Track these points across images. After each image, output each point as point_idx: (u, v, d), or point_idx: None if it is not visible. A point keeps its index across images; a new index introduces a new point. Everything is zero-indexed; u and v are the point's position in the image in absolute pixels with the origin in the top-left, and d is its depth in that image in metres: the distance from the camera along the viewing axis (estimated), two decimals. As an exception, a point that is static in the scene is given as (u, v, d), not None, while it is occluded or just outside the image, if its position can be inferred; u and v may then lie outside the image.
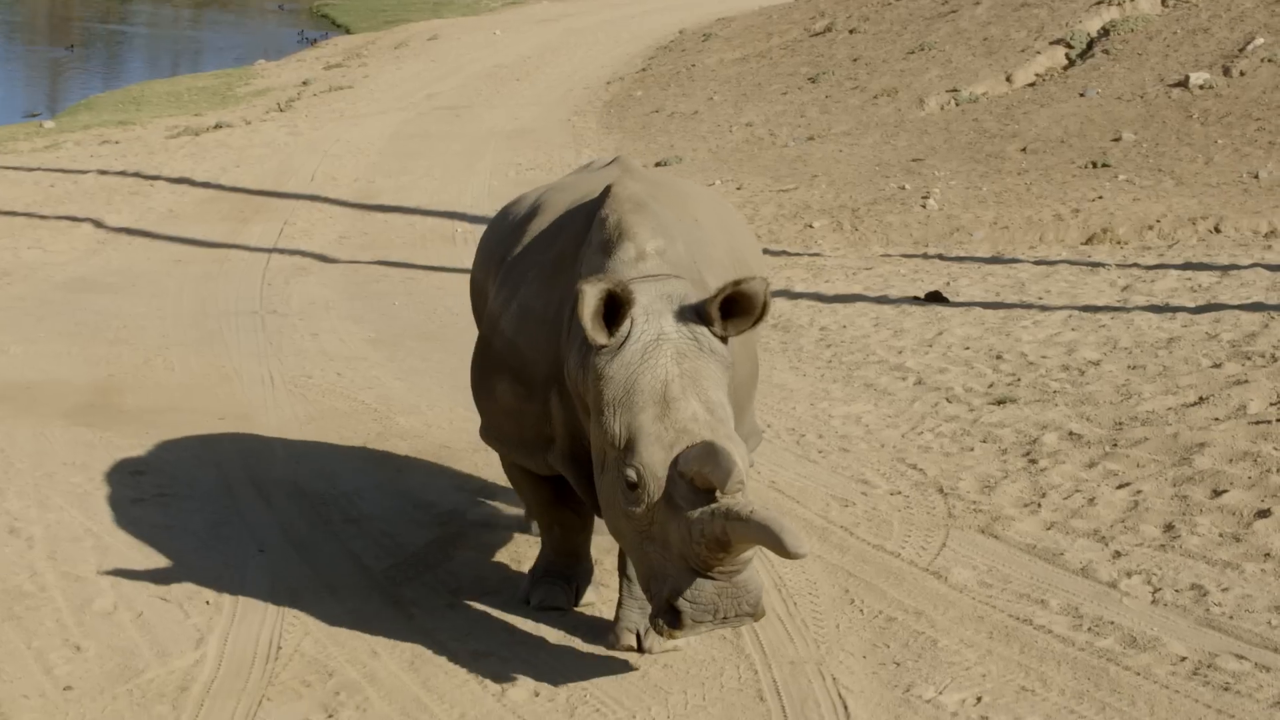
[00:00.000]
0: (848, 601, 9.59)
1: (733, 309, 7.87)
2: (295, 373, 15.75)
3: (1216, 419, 12.12)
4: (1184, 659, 8.54)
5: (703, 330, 7.88)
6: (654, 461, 7.51)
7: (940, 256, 20.01)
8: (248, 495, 11.93)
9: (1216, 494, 10.73)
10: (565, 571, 9.40)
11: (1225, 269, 17.62)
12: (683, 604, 7.44)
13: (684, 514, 7.41)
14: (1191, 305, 16.02)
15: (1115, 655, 8.64)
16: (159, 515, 11.45)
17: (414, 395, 14.75)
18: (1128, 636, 8.84)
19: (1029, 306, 16.81)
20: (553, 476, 8.88)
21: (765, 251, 20.30)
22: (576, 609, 9.36)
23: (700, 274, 8.38)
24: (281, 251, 21.99)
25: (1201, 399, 12.66)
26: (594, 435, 7.91)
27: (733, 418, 7.84)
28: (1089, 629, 8.98)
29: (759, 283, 7.82)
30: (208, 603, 9.84)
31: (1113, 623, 9.03)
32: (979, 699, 8.25)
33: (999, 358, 14.85)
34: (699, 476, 7.39)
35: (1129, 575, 9.67)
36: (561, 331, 8.32)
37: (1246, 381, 12.86)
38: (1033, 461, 11.84)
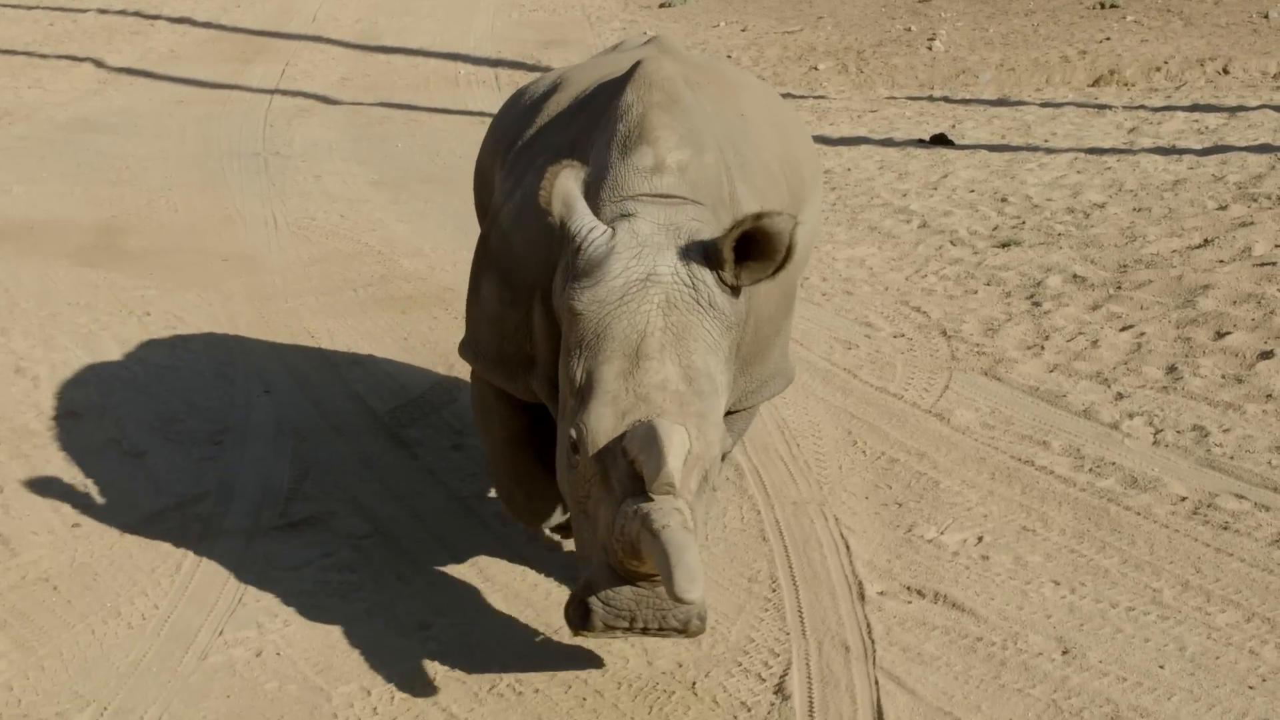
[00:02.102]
0: (850, 443, 9.63)
1: (751, 250, 6.38)
2: (298, 214, 15.70)
3: (1221, 261, 12.11)
4: (1184, 499, 8.59)
5: (707, 277, 6.45)
6: (599, 426, 6.24)
7: (946, 99, 19.88)
8: (253, 337, 11.94)
9: (1219, 336, 10.73)
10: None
11: (1233, 110, 17.51)
12: (595, 603, 6.21)
13: (615, 499, 6.18)
14: (1198, 147, 15.95)
15: (1116, 495, 8.69)
16: (164, 356, 11.47)
17: (417, 237, 14.72)
18: (1129, 477, 8.89)
19: (1034, 149, 16.73)
20: (528, 413, 7.59)
21: (770, 93, 20.19)
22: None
23: (734, 190, 7.03)
24: (284, 93, 21.84)
25: (1206, 241, 12.64)
26: (561, 371, 6.64)
27: (723, 390, 6.51)
28: (1090, 470, 9.03)
29: (784, 220, 6.28)
30: (214, 443, 9.88)
31: (1114, 463, 9.07)
32: (980, 539, 8.31)
33: (1004, 200, 14.80)
34: (638, 462, 6.13)
35: (1131, 417, 9.70)
36: (556, 231, 6.88)
37: (1252, 223, 12.82)
38: (1036, 304, 11.83)
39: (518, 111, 8.13)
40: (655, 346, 6.33)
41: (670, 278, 6.42)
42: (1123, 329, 11.12)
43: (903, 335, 11.47)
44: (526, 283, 7.06)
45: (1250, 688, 6.77)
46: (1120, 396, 10.00)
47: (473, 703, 6.90)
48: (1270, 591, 7.57)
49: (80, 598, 7.89)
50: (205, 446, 9.82)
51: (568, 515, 7.40)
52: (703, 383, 6.36)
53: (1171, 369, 10.32)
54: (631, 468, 6.13)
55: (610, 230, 6.50)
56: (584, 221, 6.49)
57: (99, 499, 9.06)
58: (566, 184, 6.51)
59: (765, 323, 7.18)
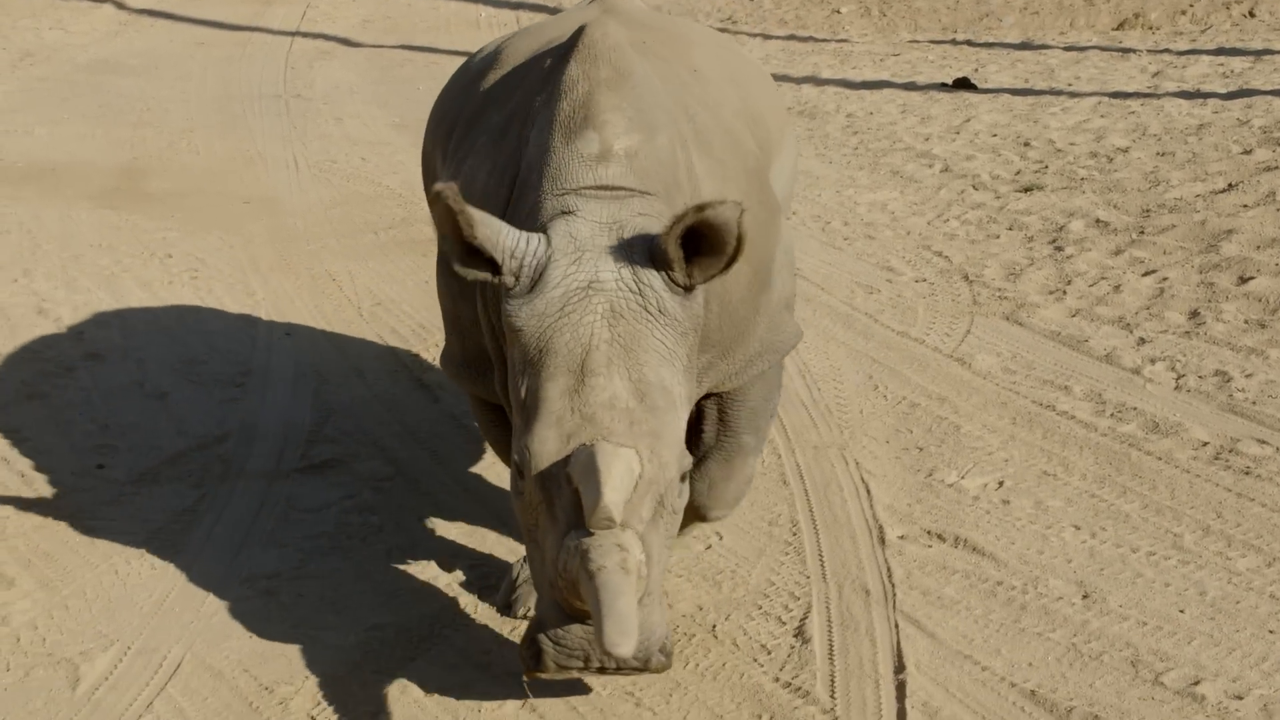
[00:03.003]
0: (871, 387, 9.62)
1: (700, 245, 5.76)
2: (319, 157, 15.69)
3: (1245, 206, 12.05)
4: (1205, 444, 8.58)
5: (654, 280, 5.83)
6: (542, 450, 5.68)
7: (969, 42, 19.78)
8: (275, 279, 11.94)
9: (1243, 280, 10.69)
10: None
11: (1258, 54, 17.40)
12: (544, 642, 5.73)
13: (559, 531, 5.66)
14: (1223, 91, 15.86)
15: (1137, 440, 8.68)
16: (185, 298, 11.49)
17: (439, 180, 14.68)
18: (1150, 422, 8.87)
19: (1058, 93, 16.64)
20: None
21: (791, 38, 20.12)
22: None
23: (691, 167, 6.44)
24: (304, 35, 21.79)
25: (1230, 185, 12.58)
26: (508, 388, 6.15)
27: (682, 402, 5.94)
28: (1112, 415, 9.01)
29: (729, 209, 5.65)
30: (235, 385, 9.90)
31: (1135, 408, 9.05)
32: (1001, 483, 8.30)
33: (1027, 145, 14.74)
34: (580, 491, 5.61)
35: (1153, 362, 9.68)
36: (502, 212, 6.29)
37: (1277, 168, 12.76)
38: (1059, 249, 11.79)
39: (456, 90, 7.47)
40: (601, 361, 5.74)
41: (614, 284, 5.81)
42: (1145, 274, 11.08)
43: (924, 280, 11.44)
44: None
45: (1270, 632, 6.77)
46: (1142, 341, 9.97)
47: (493, 644, 6.92)
48: (1291, 537, 7.57)
49: (103, 538, 7.93)
50: (227, 388, 9.84)
51: None
52: (656, 397, 5.77)
53: (1194, 314, 10.29)
54: (575, 496, 5.59)
55: (543, 236, 5.87)
56: (507, 239, 5.83)
57: (121, 440, 9.09)
58: (463, 206, 5.70)
59: (738, 304, 6.58)
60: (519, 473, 5.78)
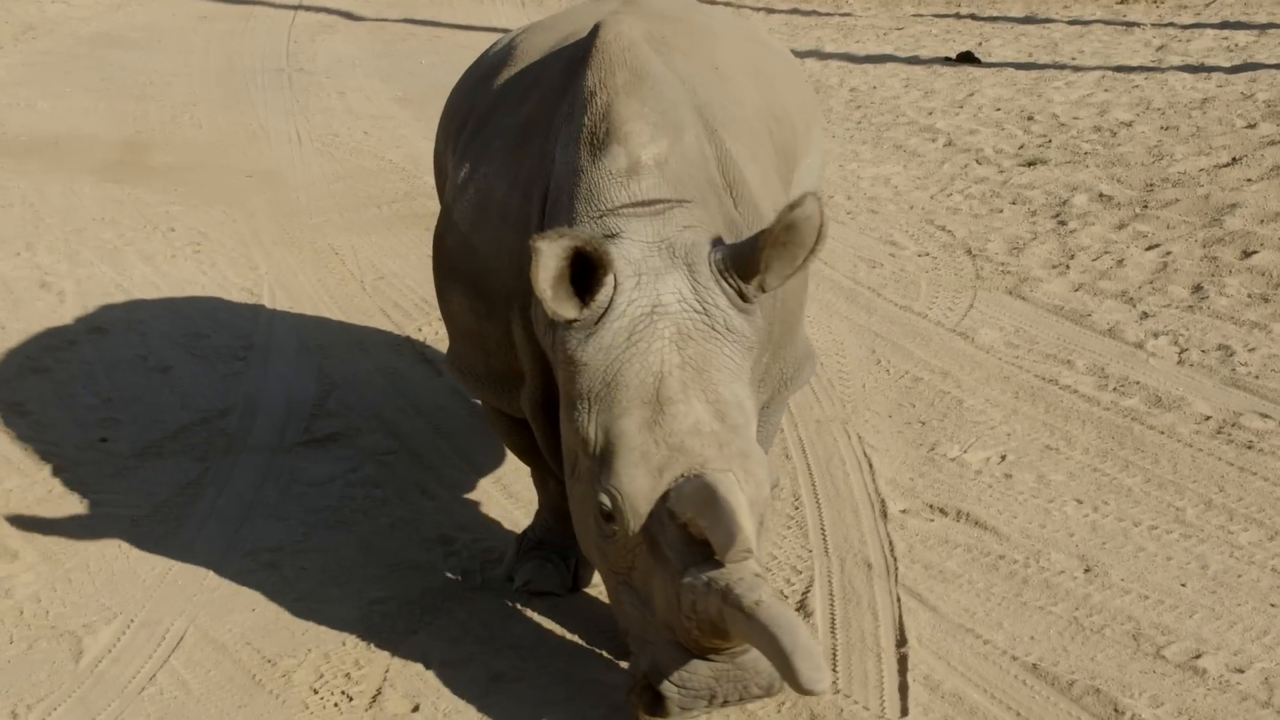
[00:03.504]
0: (874, 361, 9.62)
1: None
2: (322, 131, 15.68)
3: (1249, 180, 12.04)
4: (1208, 418, 8.58)
5: (719, 299, 5.69)
6: (635, 490, 5.48)
7: (973, 16, 19.75)
8: (277, 253, 11.94)
9: (1246, 255, 10.68)
10: (562, 543, 7.09)
11: (1263, 28, 17.37)
12: (669, 689, 5.54)
13: (673, 570, 5.45)
14: (1227, 65, 15.83)
15: (1140, 414, 8.68)
16: (189, 271, 11.49)
17: (441, 154, 14.68)
18: (1153, 396, 8.87)
19: (1062, 67, 16.62)
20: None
21: (795, 12, 20.09)
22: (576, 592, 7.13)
23: (724, 155, 6.31)
24: (307, 9, 21.78)
25: (1234, 160, 12.57)
26: (564, 424, 5.84)
27: (753, 417, 5.78)
28: (1114, 389, 9.01)
29: (811, 203, 5.64)
30: (238, 359, 9.91)
31: (1138, 382, 9.05)
32: (1003, 457, 8.30)
33: (1030, 119, 14.72)
34: (694, 525, 5.40)
35: (1156, 336, 9.68)
36: (526, 236, 5.92)
37: (1280, 143, 12.75)
38: (1062, 223, 11.78)
39: (468, 87, 7.20)
40: (676, 387, 5.55)
41: (677, 306, 5.63)
42: (1149, 248, 11.07)
43: (927, 254, 11.43)
44: (501, 293, 6.27)
45: (1272, 605, 6.78)
46: (1145, 315, 9.97)
47: (496, 618, 6.93)
48: (1293, 511, 7.58)
49: (106, 511, 7.94)
50: (230, 362, 9.85)
51: None
52: (735, 416, 5.61)
53: (1197, 288, 10.28)
54: (684, 532, 5.40)
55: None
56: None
57: (125, 414, 9.10)
58: (607, 254, 5.54)
59: (791, 302, 6.52)
60: (606, 517, 5.54)
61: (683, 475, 5.43)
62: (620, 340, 5.56)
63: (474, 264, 6.35)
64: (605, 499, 5.53)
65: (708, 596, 5.31)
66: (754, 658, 5.50)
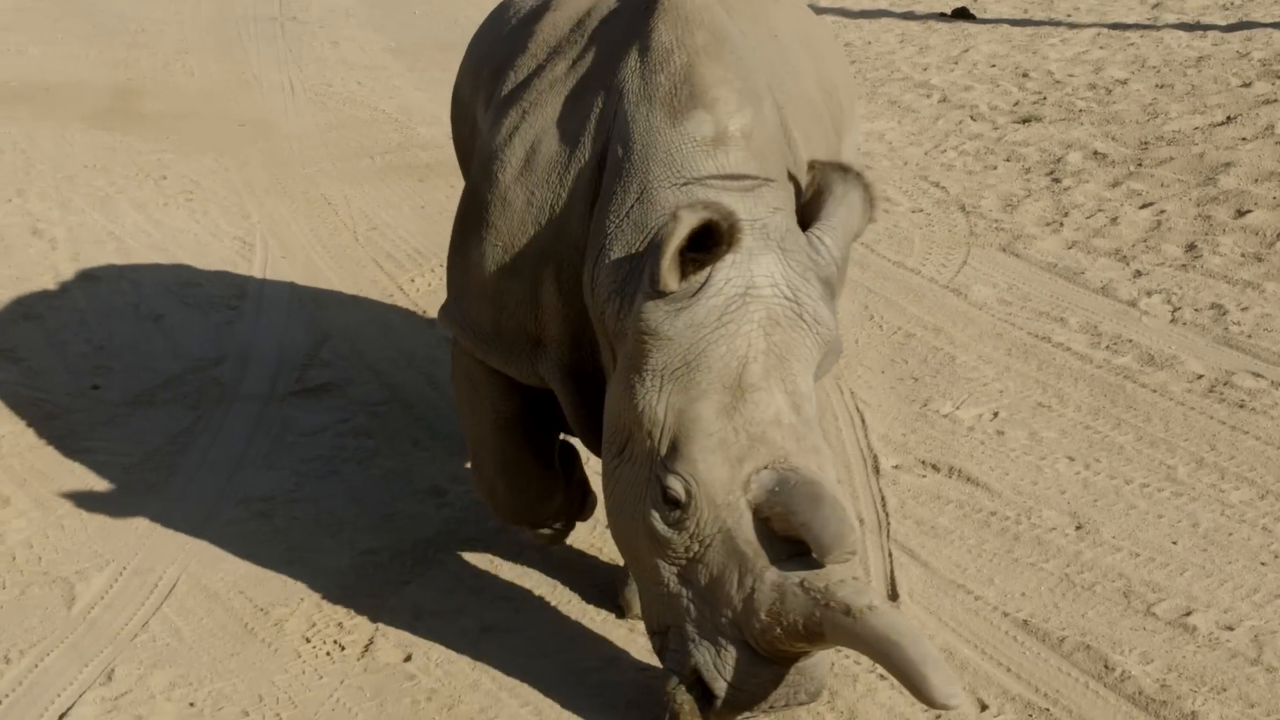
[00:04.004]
0: (867, 317, 9.62)
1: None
2: (315, 80, 15.63)
3: (1244, 138, 12.03)
4: (1201, 376, 8.58)
5: (811, 289, 5.48)
6: (713, 478, 5.21)
7: (969, -28, 19.70)
8: (271, 202, 11.91)
9: (1240, 214, 10.68)
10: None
11: (1259, -12, 17.33)
12: (721, 688, 5.29)
13: (751, 567, 5.18)
14: (1223, 23, 15.80)
15: (1132, 373, 8.68)
16: (181, 220, 11.46)
17: (435, 105, 14.64)
18: (1146, 354, 8.88)
19: (1057, 24, 16.58)
20: (521, 395, 6.32)
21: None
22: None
23: (790, 137, 5.97)
24: (300, -43, 21.68)
25: (1229, 118, 12.55)
26: (618, 398, 5.49)
27: (817, 412, 5.56)
28: (1107, 347, 9.01)
29: (864, 174, 5.72)
30: (230, 308, 9.89)
31: (1131, 341, 9.05)
32: (995, 414, 8.31)
33: (1025, 75, 14.69)
34: (783, 521, 5.14)
35: (1149, 294, 9.68)
36: (582, 194, 5.82)
37: (1276, 100, 12.73)
38: (1056, 180, 11.77)
39: (503, 31, 6.75)
40: (759, 374, 5.30)
41: (770, 290, 5.36)
42: (1143, 206, 11.07)
43: (921, 210, 11.42)
44: (533, 252, 5.91)
45: (1262, 564, 6.80)
46: (1139, 274, 9.97)
47: (487, 566, 6.94)
48: (1285, 470, 7.59)
49: (99, 459, 7.93)
50: (222, 311, 9.83)
51: (558, 524, 6.75)
52: (808, 409, 5.42)
53: (1191, 247, 10.28)
54: (765, 527, 5.16)
55: None
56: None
57: (117, 362, 9.08)
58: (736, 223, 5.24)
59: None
60: (671, 503, 5.25)
61: (764, 467, 5.19)
62: (712, 319, 5.27)
63: (509, 220, 5.95)
64: (676, 484, 5.23)
65: (798, 599, 5.06)
66: (814, 663, 5.30)
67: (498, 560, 6.99)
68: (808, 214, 5.70)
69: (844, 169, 5.72)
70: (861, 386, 8.66)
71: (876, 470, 7.74)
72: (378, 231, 11.24)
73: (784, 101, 6.01)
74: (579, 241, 5.75)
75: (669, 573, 5.35)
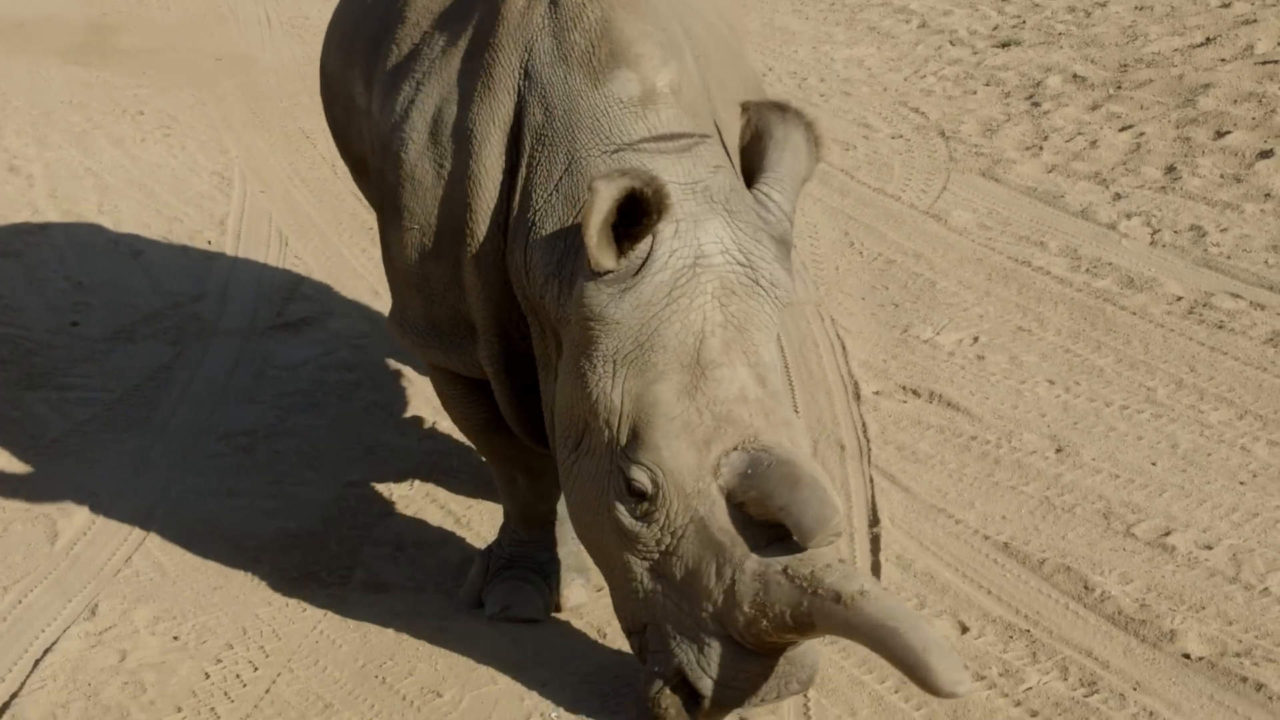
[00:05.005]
0: (847, 244, 9.61)
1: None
2: (292, 14, 15.54)
3: (1223, 59, 12.00)
4: (1180, 298, 8.59)
5: (761, 245, 5.10)
6: (679, 465, 4.86)
7: (948, -105, 19.60)
8: (248, 136, 11.87)
9: (1219, 135, 10.67)
10: (538, 559, 6.15)
11: (1238, -91, 17.27)
12: (707, 686, 4.97)
13: (729, 557, 4.84)
14: (1202, -55, 15.75)
15: (1112, 295, 8.69)
16: (159, 155, 11.42)
17: (412, 36, 14.56)
18: (1125, 277, 8.88)
19: (1037, -53, 16.53)
20: (489, 385, 5.77)
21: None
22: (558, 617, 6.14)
23: (709, 93, 5.49)
24: (275, -112, 21.52)
25: (1209, 39, 12.52)
26: (568, 389, 5.11)
27: (785, 381, 5.20)
28: (1087, 270, 9.02)
29: (808, 112, 5.36)
30: (209, 243, 9.87)
31: (1111, 263, 9.06)
32: (976, 339, 8.32)
33: (1005, -1, 14.66)
34: (760, 506, 4.81)
35: (1128, 217, 9.68)
36: (497, 162, 5.34)
37: (1255, 21, 12.69)
38: (1035, 104, 11.75)
39: None
40: (719, 348, 4.93)
41: (721, 258, 4.99)
42: (1122, 129, 11.05)
43: (901, 136, 11.40)
44: (449, 229, 5.44)
45: (1241, 483, 6.82)
46: (1118, 197, 9.96)
47: (470, 499, 6.95)
48: (1263, 389, 7.60)
49: (79, 394, 7.93)
50: (201, 246, 9.81)
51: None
52: (773, 380, 5.03)
53: (1170, 169, 10.28)
54: (740, 513, 4.83)
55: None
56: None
57: (96, 298, 9.06)
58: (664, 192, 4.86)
59: None
60: (637, 496, 4.91)
61: (733, 448, 4.85)
62: (660, 295, 4.90)
63: (420, 196, 5.47)
64: (640, 475, 4.88)
65: (783, 588, 4.74)
66: (803, 652, 4.98)
67: (480, 492, 7.00)
68: (748, 162, 5.38)
69: (782, 108, 5.38)
70: (842, 313, 8.66)
71: (857, 396, 7.75)
72: (356, 164, 11.20)
73: (698, 49, 5.54)
74: (498, 215, 5.32)
75: (641, 568, 5.01)
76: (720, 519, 4.83)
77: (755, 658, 4.90)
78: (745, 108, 5.45)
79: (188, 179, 10.94)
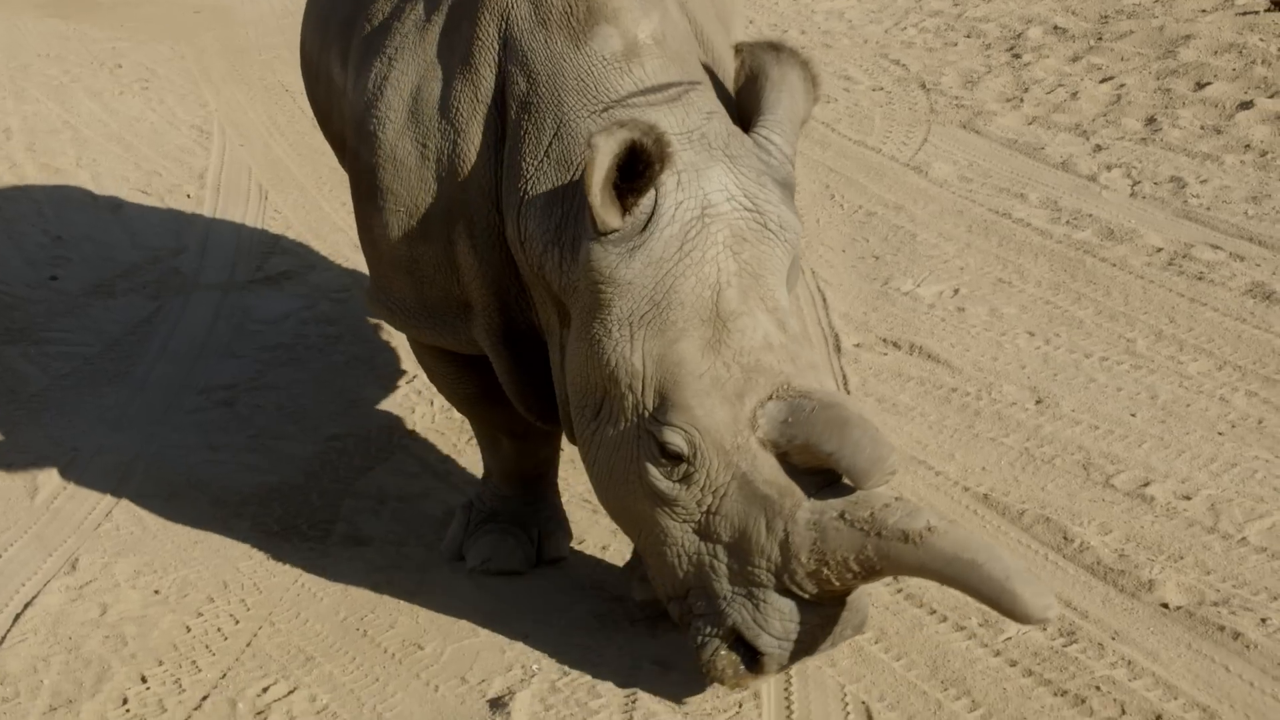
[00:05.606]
0: (828, 197, 9.61)
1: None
2: (270, -35, 15.47)
3: (1203, 10, 11.99)
4: (1160, 250, 8.60)
5: (767, 189, 4.99)
6: (715, 422, 4.74)
7: None
8: (227, 90, 11.82)
9: (1200, 86, 10.67)
10: (519, 513, 6.10)
11: None
12: (767, 643, 4.84)
13: (779, 509, 4.72)
14: (1184, -104, 15.73)
15: (1092, 247, 8.70)
16: (137, 108, 11.37)
17: (391, -12, 14.51)
18: (1105, 229, 8.89)
19: (1018, -102, 16.48)
20: (478, 368, 5.78)
21: None
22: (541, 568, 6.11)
23: (702, 38, 5.45)
24: None
25: (1189, -8, 12.53)
26: (582, 358, 4.99)
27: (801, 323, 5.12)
28: (1067, 222, 9.02)
29: (800, 51, 5.22)
30: (188, 196, 9.84)
31: (1091, 215, 9.07)
32: (956, 291, 8.33)
33: (986, -50, 14.63)
34: (806, 454, 4.70)
35: (1109, 168, 9.68)
36: (484, 137, 5.26)
37: (1236, -26, 12.70)
38: (1016, 56, 11.74)
39: None
40: (737, 298, 4.82)
41: (728, 205, 4.88)
42: (1103, 80, 11.05)
43: (881, 88, 11.39)
44: (439, 210, 5.36)
45: (1219, 434, 6.85)
46: (1099, 148, 9.97)
47: (450, 451, 6.96)
48: (1242, 340, 7.62)
49: (58, 349, 7.91)
50: (181, 200, 9.79)
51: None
52: (793, 323, 4.94)
53: (1151, 120, 10.28)
54: (784, 463, 4.72)
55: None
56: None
57: (75, 252, 9.04)
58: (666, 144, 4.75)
59: None
60: (672, 459, 4.80)
61: (768, 398, 4.75)
62: (672, 250, 4.80)
63: (403, 176, 5.37)
64: (674, 437, 4.76)
65: (842, 533, 4.64)
66: (855, 596, 4.88)
67: (461, 445, 7.00)
68: (744, 105, 5.25)
69: (776, 48, 5.22)
70: (823, 265, 8.67)
71: (838, 349, 7.76)
72: (336, 117, 11.17)
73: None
74: (489, 191, 5.23)
75: (681, 532, 4.89)
76: (764, 472, 4.73)
77: (815, 608, 4.79)
78: (739, 49, 5.30)
79: (166, 133, 10.90)
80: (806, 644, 4.86)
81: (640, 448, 4.86)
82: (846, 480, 4.68)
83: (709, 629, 4.92)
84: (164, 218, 9.51)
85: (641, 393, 4.84)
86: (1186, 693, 5.08)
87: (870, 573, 4.66)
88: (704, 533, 4.85)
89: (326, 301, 8.47)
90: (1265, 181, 9.31)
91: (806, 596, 4.76)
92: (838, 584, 4.71)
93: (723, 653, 4.91)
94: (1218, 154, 9.68)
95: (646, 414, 4.84)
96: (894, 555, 4.59)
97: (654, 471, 4.83)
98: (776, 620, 4.80)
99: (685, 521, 4.87)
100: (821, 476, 4.72)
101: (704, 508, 4.82)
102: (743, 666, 4.90)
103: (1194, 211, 9.00)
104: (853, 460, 4.59)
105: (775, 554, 4.73)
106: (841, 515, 4.64)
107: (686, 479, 4.80)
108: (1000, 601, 4.47)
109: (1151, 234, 8.76)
